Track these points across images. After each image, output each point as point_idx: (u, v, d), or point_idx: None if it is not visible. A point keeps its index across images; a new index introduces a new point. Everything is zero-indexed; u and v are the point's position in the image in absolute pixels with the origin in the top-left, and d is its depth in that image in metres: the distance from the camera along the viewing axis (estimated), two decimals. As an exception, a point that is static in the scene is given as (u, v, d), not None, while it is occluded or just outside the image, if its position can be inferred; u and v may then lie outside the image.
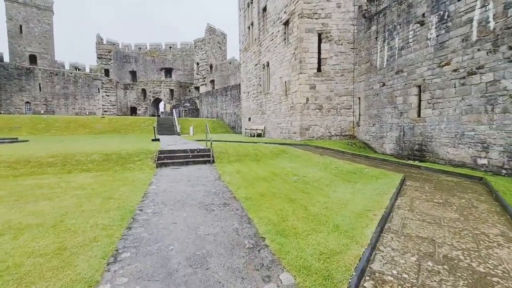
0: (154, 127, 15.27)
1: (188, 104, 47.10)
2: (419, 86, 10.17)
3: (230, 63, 42.92)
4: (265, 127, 20.49)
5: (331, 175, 7.42)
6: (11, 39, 43.00)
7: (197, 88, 48.82)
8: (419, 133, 10.19)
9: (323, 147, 12.93)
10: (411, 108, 10.50)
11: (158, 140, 15.62)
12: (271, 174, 7.75)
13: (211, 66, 47.88)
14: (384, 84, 12.07)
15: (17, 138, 17.15)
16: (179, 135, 29.17)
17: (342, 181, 6.70)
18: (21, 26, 43.80)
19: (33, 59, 45.48)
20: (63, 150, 10.19)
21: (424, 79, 9.78)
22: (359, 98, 14.78)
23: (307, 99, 14.98)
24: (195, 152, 10.68)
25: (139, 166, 8.75)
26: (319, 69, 14.92)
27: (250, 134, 22.32)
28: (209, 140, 10.76)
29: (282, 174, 7.71)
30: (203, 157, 10.33)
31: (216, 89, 40.12)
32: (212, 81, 46.10)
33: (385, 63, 11.97)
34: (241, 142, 15.30)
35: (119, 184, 6.66)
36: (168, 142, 15.00)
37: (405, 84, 10.73)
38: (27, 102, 41.24)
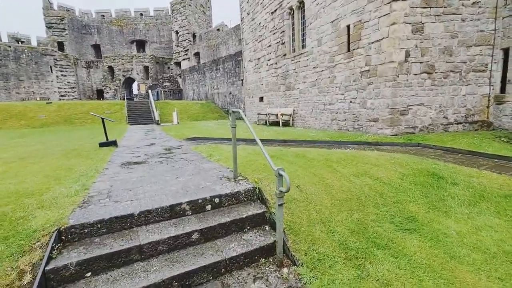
0: (102, 120, 7.33)
1: (168, 84, 38.23)
2: None
3: (218, 29, 34.10)
4: (294, 110, 13.03)
5: None
6: None
7: (178, 64, 39.78)
8: None
9: (465, 150, 5.83)
10: None
11: (113, 144, 7.82)
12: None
13: (194, 36, 38.70)
14: None
15: None
16: (158, 124, 21.08)
17: None
18: None
19: (-47, 27, 34.19)
20: None
21: None
22: (506, 49, 7.65)
23: (407, 54, 7.63)
24: (220, 207, 3.22)
25: None
26: (427, -6, 7.48)
27: (267, 121, 14.84)
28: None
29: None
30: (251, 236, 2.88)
31: (203, 63, 31.59)
32: (197, 54, 37.23)
33: None
34: (273, 142, 7.92)
35: None
36: (134, 145, 7.30)
37: None
38: None
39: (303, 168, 4.37)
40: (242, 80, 24.42)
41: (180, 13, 37.85)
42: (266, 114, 15.14)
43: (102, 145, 7.62)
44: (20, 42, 38.61)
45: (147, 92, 33.24)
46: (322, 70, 10.71)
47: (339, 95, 9.95)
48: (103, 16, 44.98)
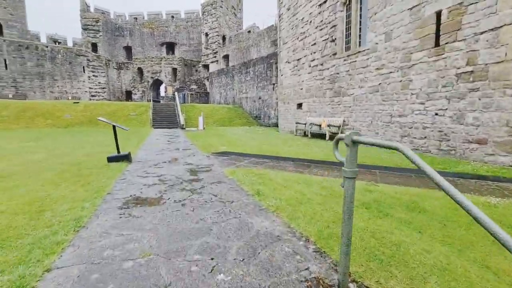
0: (114, 128, 5.59)
1: (195, 87, 37.32)
2: None
3: (249, 31, 32.59)
4: (344, 120, 10.71)
5: None
6: (-34, 1, 33.30)
7: (206, 67, 38.83)
8: None
9: None
10: None
11: (124, 159, 6.06)
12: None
13: (223, 38, 37.59)
14: None
15: None
16: (183, 128, 19.67)
17: None
18: (-21, -17, 33.95)
19: (-2, 28, 35.89)
20: None
21: None
22: None
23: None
24: None
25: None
26: None
27: (306, 132, 12.63)
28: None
29: None
30: None
31: (232, 66, 30.11)
32: (226, 57, 35.98)
33: None
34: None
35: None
36: (151, 160, 5.38)
37: None
38: (-11, 84, 32.13)
39: (459, 252, 2.16)
40: (273, 84, 22.46)
41: (211, 15, 36.95)
42: (306, 124, 12.94)
43: (111, 160, 5.89)
44: (57, 43, 39.91)
45: (173, 94, 32.46)
46: (390, 72, 8.35)
47: (417, 104, 7.53)
48: (136, 18, 45.55)
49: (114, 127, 6.02)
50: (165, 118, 22.32)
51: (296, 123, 13.54)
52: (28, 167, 5.53)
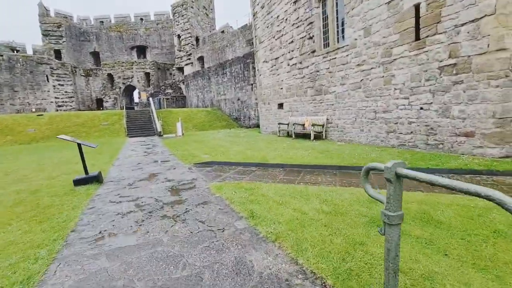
0: (79, 146, 4.85)
1: (170, 91, 36.02)
2: None
3: (223, 31, 31.92)
4: (327, 119, 10.51)
5: None
6: None
7: (181, 70, 37.61)
8: None
9: None
10: None
11: (94, 180, 5.34)
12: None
13: (197, 39, 36.57)
14: None
15: None
16: (161, 136, 18.73)
17: None
18: None
19: None
20: None
21: None
22: None
23: (527, 37, 5.11)
24: None
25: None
26: None
27: (289, 133, 12.33)
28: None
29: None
30: None
31: (208, 68, 29.31)
32: (201, 59, 35.03)
33: None
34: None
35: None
36: (126, 179, 4.65)
37: None
38: None
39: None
40: (252, 84, 22.06)
41: (182, 16, 35.77)
42: (288, 124, 12.64)
43: (78, 182, 5.15)
44: (15, 51, 36.79)
45: (148, 100, 31.02)
46: (372, 68, 8.21)
47: (401, 99, 7.43)
48: (102, 22, 43.20)
49: (79, 145, 5.27)
50: (140, 126, 21.16)
51: (279, 123, 13.21)
52: (-25, 200, 4.67)
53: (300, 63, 11.76)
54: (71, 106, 36.31)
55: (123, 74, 38.30)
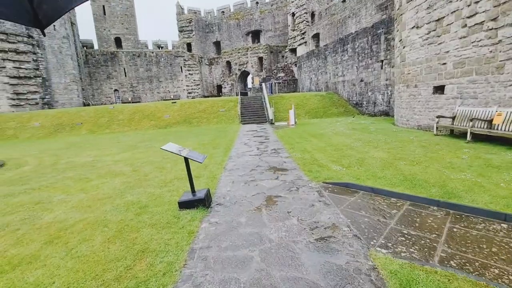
0: (186, 160, 3.60)
1: (282, 74, 34.97)
2: None
3: (344, 0, 27.35)
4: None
5: None
6: (96, 23, 40.68)
7: (293, 51, 35.71)
8: None
9: None
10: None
11: (200, 204, 4.03)
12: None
13: (312, 15, 33.35)
14: None
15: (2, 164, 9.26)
16: (272, 123, 17.64)
17: None
18: (103, 6, 40.78)
19: (118, 42, 42.66)
20: None
21: None
22: None
23: None
24: None
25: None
26: None
27: (458, 131, 8.16)
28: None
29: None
30: None
31: (324, 46, 25.98)
32: (316, 36, 31.85)
33: None
34: None
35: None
36: (238, 199, 2.96)
37: None
38: (116, 90, 38.66)
39: None
40: (382, 61, 17.53)
41: (297, -9, 33.15)
42: (455, 117, 8.45)
43: (183, 206, 3.98)
44: (160, 48, 44.73)
45: (260, 85, 31.00)
46: None
47: None
48: (223, 12, 46.21)
49: (186, 159, 4.05)
50: (253, 112, 20.89)
51: (438, 116, 9.09)
52: (85, 216, 4.20)
53: (494, 19, 7.25)
54: (197, 92, 41.32)
55: (239, 60, 40.05)
